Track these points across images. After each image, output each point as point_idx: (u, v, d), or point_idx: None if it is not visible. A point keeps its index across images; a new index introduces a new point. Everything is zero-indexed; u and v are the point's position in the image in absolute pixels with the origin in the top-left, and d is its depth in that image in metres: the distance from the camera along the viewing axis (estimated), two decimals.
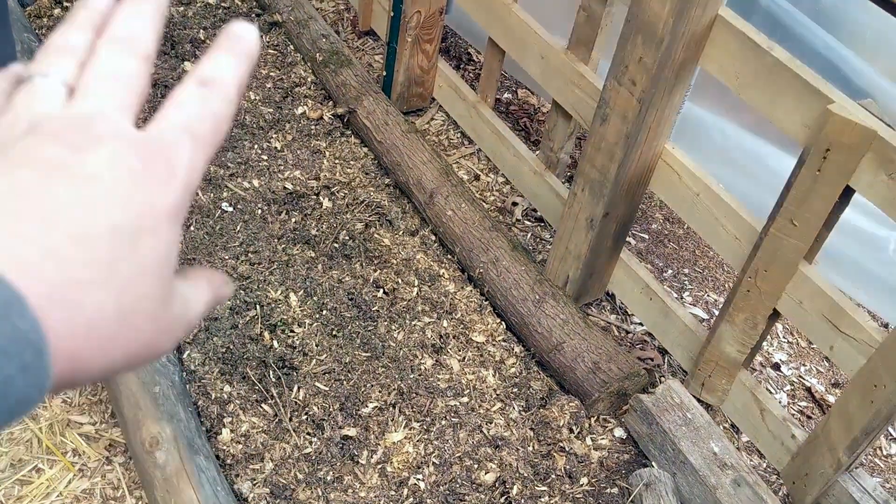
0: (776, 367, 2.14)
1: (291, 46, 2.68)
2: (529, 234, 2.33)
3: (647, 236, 2.42)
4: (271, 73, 2.57)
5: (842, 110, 1.40)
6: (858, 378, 1.53)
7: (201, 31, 2.63)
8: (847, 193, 1.48)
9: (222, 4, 2.77)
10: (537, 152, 2.30)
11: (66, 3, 2.62)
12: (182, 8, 2.70)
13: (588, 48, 1.99)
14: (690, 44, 1.60)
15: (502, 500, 1.66)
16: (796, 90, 1.48)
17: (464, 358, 1.91)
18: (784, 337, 2.24)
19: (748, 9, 1.92)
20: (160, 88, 2.41)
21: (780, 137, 2.11)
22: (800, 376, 2.14)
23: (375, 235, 2.14)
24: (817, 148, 1.43)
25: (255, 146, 2.33)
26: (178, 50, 2.54)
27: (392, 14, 2.39)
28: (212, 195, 2.16)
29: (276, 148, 2.34)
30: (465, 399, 1.82)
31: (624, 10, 1.66)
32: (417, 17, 2.34)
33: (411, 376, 1.84)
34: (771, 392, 2.06)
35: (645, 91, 1.64)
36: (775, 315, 1.69)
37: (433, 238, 2.19)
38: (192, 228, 2.06)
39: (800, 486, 1.71)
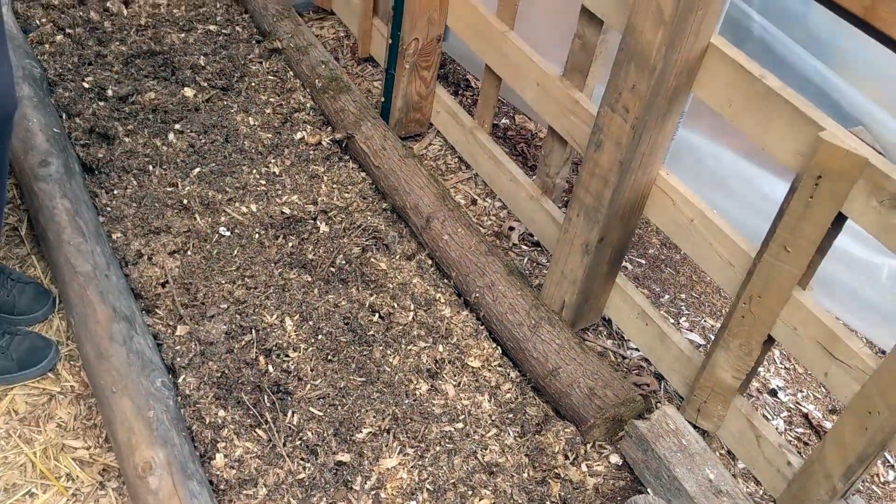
0: (773, 392, 2.13)
1: (291, 73, 2.70)
2: (526, 259, 2.33)
3: (643, 261, 2.43)
4: (271, 99, 2.59)
5: (833, 138, 1.41)
6: (853, 405, 1.52)
7: (202, 57, 2.65)
8: (840, 220, 1.49)
9: (223, 31, 2.80)
10: (534, 177, 2.31)
11: (67, 30, 2.65)
12: (183, 34, 2.73)
13: (583, 75, 2.01)
14: (683, 71, 1.61)
15: None
16: (788, 117, 1.49)
17: (459, 383, 1.91)
18: (781, 363, 2.24)
19: (741, 36, 1.94)
20: (160, 113, 2.43)
21: (774, 163, 2.12)
22: (797, 402, 2.13)
23: (372, 260, 2.15)
24: (809, 175, 1.44)
25: (254, 171, 2.34)
26: (178, 76, 2.56)
27: (390, 41, 2.41)
28: (210, 220, 2.17)
29: (274, 173, 2.35)
30: (460, 425, 1.82)
31: (618, 37, 1.68)
32: (415, 45, 2.36)
33: (406, 401, 1.83)
34: (767, 418, 2.06)
35: (638, 118, 1.66)
36: (770, 341, 1.69)
37: (430, 262, 2.20)
38: (189, 253, 2.07)
39: None
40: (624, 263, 2.37)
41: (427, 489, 1.68)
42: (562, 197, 2.34)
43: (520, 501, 1.69)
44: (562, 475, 1.75)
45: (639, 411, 1.87)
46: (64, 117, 2.34)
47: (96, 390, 1.69)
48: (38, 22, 2.66)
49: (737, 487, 1.69)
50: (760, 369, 2.19)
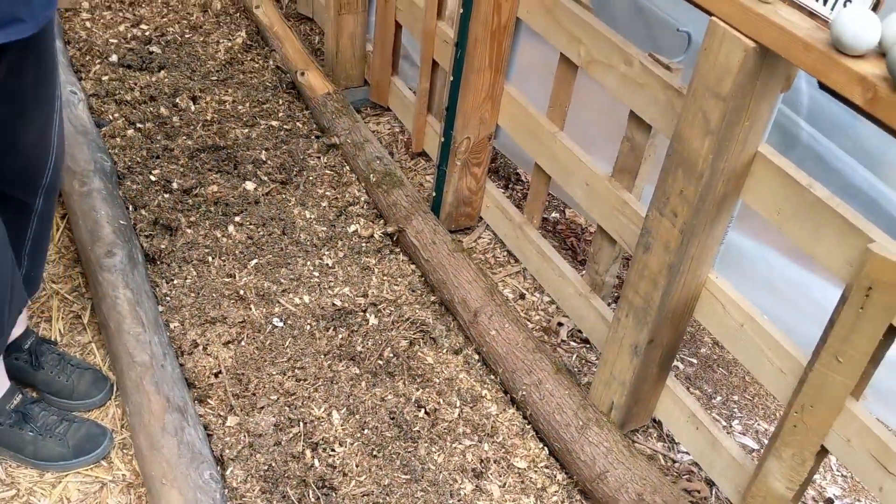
0: (829, 502, 2.06)
1: (347, 167, 2.79)
2: (575, 356, 2.33)
3: (695, 361, 2.40)
4: (327, 193, 2.68)
5: (882, 250, 1.40)
6: None
7: (263, 151, 2.77)
8: (893, 331, 1.46)
9: (284, 127, 2.92)
10: (583, 273, 2.32)
11: (138, 125, 2.79)
12: (246, 130, 2.86)
13: (632, 176, 2.04)
14: (731, 178, 1.63)
15: None
16: (836, 228, 1.49)
17: (504, 484, 1.90)
18: (838, 470, 2.17)
19: (789, 144, 1.96)
20: (220, 206, 2.53)
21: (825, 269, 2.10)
22: None
23: (419, 353, 2.17)
24: (859, 286, 1.43)
25: (308, 263, 2.41)
26: (240, 170, 2.67)
27: (443, 139, 2.49)
28: (264, 310, 2.22)
29: (327, 265, 2.41)
30: None
31: (667, 141, 1.71)
32: (467, 143, 2.43)
33: (450, 502, 1.82)
34: None
35: (687, 222, 1.67)
36: (824, 451, 1.65)
37: (476, 357, 2.21)
38: (243, 344, 2.12)
39: None
40: (675, 363, 2.35)
41: None
42: (612, 293, 2.34)
43: None
44: None
45: None
46: (130, 209, 2.46)
47: (147, 480, 1.72)
48: (111, 117, 2.82)
49: None
50: (816, 476, 2.12)
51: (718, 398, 2.29)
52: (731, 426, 2.20)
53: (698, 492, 1.96)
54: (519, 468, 1.93)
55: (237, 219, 2.50)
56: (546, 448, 1.99)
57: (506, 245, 2.62)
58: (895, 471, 1.50)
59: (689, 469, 2.04)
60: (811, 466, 1.68)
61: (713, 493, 1.99)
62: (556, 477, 1.93)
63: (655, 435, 2.13)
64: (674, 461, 2.07)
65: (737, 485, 1.88)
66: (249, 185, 2.62)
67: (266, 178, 2.67)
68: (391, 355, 2.15)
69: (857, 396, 1.58)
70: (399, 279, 2.41)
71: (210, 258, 2.35)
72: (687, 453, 2.08)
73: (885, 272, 1.39)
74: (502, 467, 1.93)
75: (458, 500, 1.83)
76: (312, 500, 1.78)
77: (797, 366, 1.65)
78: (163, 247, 2.35)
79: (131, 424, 1.82)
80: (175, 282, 2.27)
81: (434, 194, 2.64)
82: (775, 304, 2.07)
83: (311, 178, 2.72)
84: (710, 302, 1.83)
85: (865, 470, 1.56)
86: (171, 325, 2.14)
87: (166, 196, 2.53)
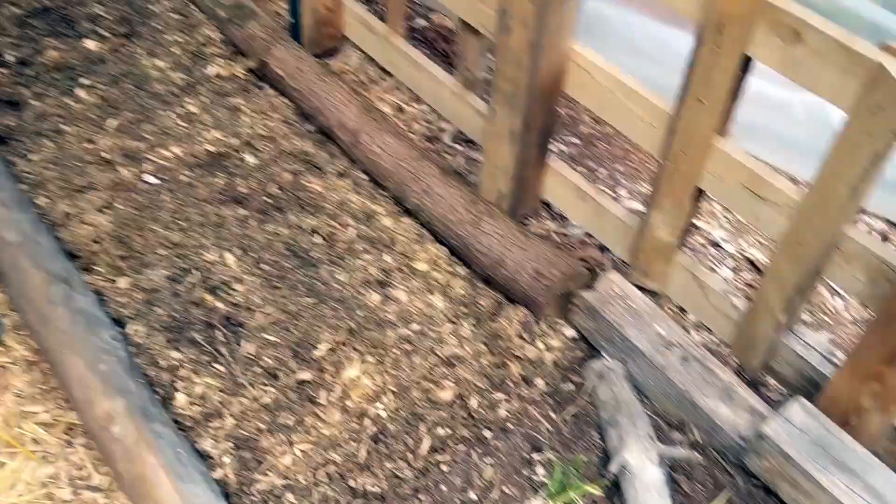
0: (716, 244, 2.18)
1: (194, 7, 2.62)
2: (462, 158, 2.33)
3: (577, 140, 2.43)
4: (177, 38, 2.51)
5: None
6: (785, 240, 1.57)
7: (97, 6, 2.55)
8: (747, 63, 1.50)
9: None
10: (455, 74, 2.28)
11: None
12: None
13: None
14: None
15: (462, 413, 1.70)
16: None
17: (410, 288, 1.93)
18: (723, 215, 2.28)
19: None
20: (64, 71, 2.35)
21: (687, 22, 2.11)
22: (741, 250, 2.19)
23: (305, 184, 2.13)
24: (711, 23, 1.44)
25: (171, 113, 2.29)
26: (77, 29, 2.47)
27: None
28: (133, 170, 2.13)
29: (192, 112, 2.30)
30: (416, 326, 1.85)
31: None
32: None
33: (359, 313, 1.85)
34: (714, 269, 2.11)
35: None
36: (700, 193, 1.72)
37: (364, 177, 2.19)
38: (117, 206, 2.03)
39: (748, 353, 1.76)
40: (559, 145, 2.38)
41: (391, 391, 1.72)
42: (485, 89, 2.32)
43: (481, 386, 1.74)
44: (519, 355, 1.80)
45: (588, 284, 1.90)
46: None
47: (47, 354, 1.68)
48: None
49: (686, 338, 1.74)
50: (703, 224, 2.23)
51: (603, 171, 2.34)
52: (617, 194, 2.27)
53: (593, 258, 2.04)
54: (421, 271, 1.96)
55: (85, 81, 2.33)
56: (446, 248, 2.03)
57: (375, 60, 2.54)
58: (767, 195, 1.58)
59: (583, 241, 2.12)
60: (689, 210, 1.76)
61: (608, 257, 2.08)
62: (458, 272, 1.98)
63: (548, 216, 2.18)
64: (566, 236, 2.13)
65: (626, 244, 1.96)
66: (91, 44, 2.44)
67: (108, 34, 2.48)
68: (277, 190, 2.11)
69: (724, 134, 1.63)
70: (271, 114, 2.33)
71: (64, 126, 2.21)
72: (578, 226, 2.15)
73: (733, 4, 1.40)
74: (405, 273, 1.96)
75: (367, 311, 1.86)
76: (222, 339, 1.78)
77: (665, 117, 1.68)
78: (11, 124, 2.19)
79: (17, 304, 1.76)
80: (31, 157, 2.13)
81: (292, 20, 2.51)
82: (640, 64, 2.08)
83: (156, 25, 2.54)
84: (578, 73, 1.83)
85: (740, 201, 1.64)
86: (38, 201, 2.03)
87: (3, 71, 2.33)
